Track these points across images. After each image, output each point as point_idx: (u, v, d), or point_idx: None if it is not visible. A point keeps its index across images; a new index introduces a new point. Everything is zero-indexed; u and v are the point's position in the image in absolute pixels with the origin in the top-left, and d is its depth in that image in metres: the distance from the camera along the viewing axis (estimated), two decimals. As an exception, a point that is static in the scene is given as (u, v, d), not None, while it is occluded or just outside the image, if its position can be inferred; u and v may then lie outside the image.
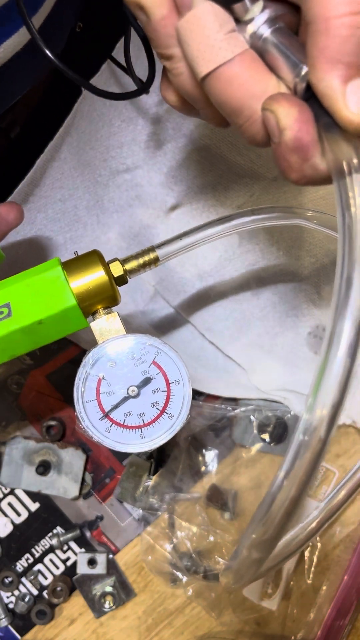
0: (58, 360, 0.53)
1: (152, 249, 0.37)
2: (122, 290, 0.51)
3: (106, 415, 0.36)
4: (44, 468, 0.51)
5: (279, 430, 0.52)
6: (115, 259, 0.36)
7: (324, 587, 0.51)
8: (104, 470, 0.53)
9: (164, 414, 0.36)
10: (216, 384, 0.52)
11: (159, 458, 0.52)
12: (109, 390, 0.36)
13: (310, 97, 0.24)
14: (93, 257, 0.36)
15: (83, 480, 0.52)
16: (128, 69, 0.43)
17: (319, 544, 0.52)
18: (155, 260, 0.37)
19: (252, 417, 0.52)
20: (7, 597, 0.52)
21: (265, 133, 0.26)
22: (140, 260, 0.37)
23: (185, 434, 0.52)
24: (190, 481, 0.52)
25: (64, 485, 0.52)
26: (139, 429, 0.36)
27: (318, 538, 0.52)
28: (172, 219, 0.50)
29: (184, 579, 0.51)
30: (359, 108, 0.23)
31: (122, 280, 0.37)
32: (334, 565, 0.52)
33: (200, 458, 0.52)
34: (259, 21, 0.26)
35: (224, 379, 0.52)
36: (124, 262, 0.37)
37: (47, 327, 0.35)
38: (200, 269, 0.50)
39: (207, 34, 0.25)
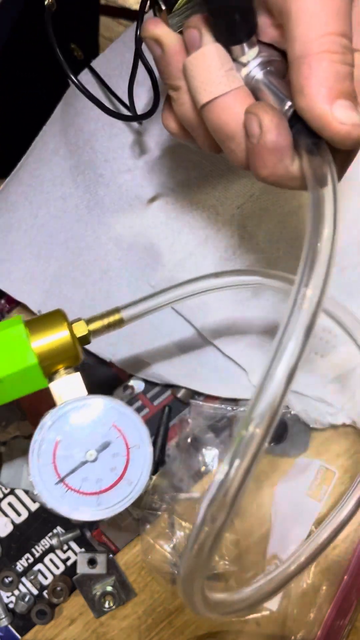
0: (58, 360, 0.53)
1: (117, 310, 0.38)
2: (123, 290, 0.51)
3: (62, 480, 0.34)
4: None
5: (279, 430, 0.52)
6: (79, 319, 0.37)
7: (324, 587, 0.52)
8: (104, 470, 0.53)
9: (123, 479, 0.35)
10: (216, 384, 0.52)
11: (159, 458, 0.52)
12: (66, 453, 0.34)
13: (294, 124, 0.29)
14: (57, 317, 0.36)
15: (83, 480, 0.52)
16: (129, 102, 0.45)
17: (318, 544, 0.52)
18: (120, 322, 0.38)
19: (252, 417, 0.52)
20: (7, 597, 0.52)
21: None
22: (105, 322, 0.37)
23: (185, 434, 0.52)
24: (190, 481, 0.52)
25: None
26: (96, 496, 0.35)
27: (318, 538, 0.52)
28: (172, 219, 0.50)
29: (184, 578, 0.51)
30: (347, 118, 0.27)
31: (85, 340, 0.37)
32: (333, 565, 0.52)
33: (200, 458, 0.52)
34: (253, 64, 0.30)
35: (224, 379, 0.52)
36: (88, 322, 0.37)
37: (6, 386, 0.34)
38: (200, 269, 0.50)
39: (210, 69, 0.30)
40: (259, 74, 0.30)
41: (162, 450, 0.53)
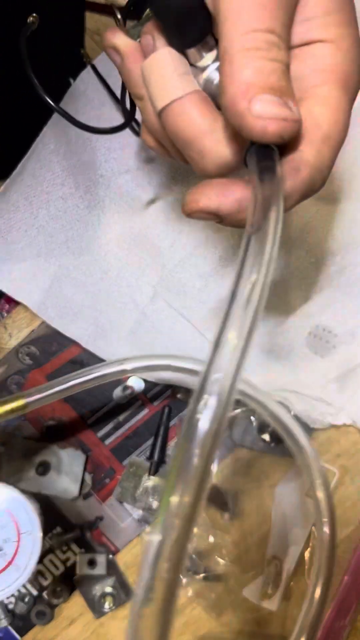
0: (58, 360, 0.53)
1: (22, 395, 0.38)
2: (122, 290, 0.51)
3: None
4: (43, 468, 0.51)
5: (279, 430, 0.52)
6: None
7: (324, 588, 0.51)
8: (103, 470, 0.53)
9: (11, 565, 0.35)
10: (216, 384, 0.52)
11: (159, 458, 0.52)
12: None
13: (248, 148, 0.28)
14: None
15: (83, 481, 0.52)
16: (122, 109, 0.45)
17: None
18: (24, 407, 0.38)
19: (252, 417, 0.52)
20: (7, 598, 0.52)
21: (215, 167, 0.29)
22: (7, 407, 0.38)
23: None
24: (190, 481, 0.52)
25: (63, 485, 0.51)
26: None
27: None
28: (172, 219, 0.50)
29: (184, 579, 0.51)
30: (264, 111, 0.25)
31: None
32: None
33: (200, 458, 0.52)
34: (211, 68, 0.29)
35: (224, 379, 0.52)
36: None
37: None
38: (200, 269, 0.51)
39: (163, 73, 0.29)
40: (217, 78, 0.29)
41: (163, 450, 0.53)
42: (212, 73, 0.29)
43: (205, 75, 0.30)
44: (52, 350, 0.53)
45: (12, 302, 0.54)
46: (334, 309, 0.51)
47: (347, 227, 0.49)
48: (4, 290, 0.50)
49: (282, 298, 0.51)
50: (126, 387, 0.53)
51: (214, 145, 0.29)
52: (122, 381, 0.53)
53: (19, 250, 0.50)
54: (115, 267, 0.51)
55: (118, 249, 0.51)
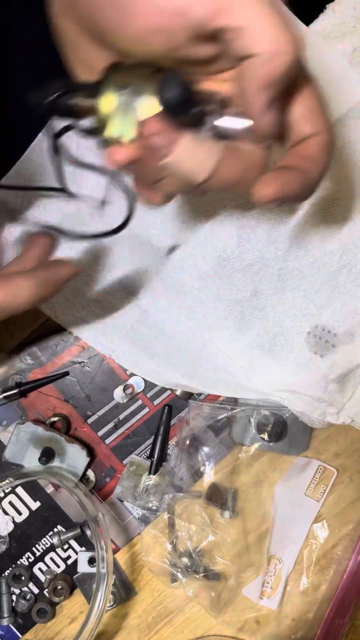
0: (59, 359, 0.54)
1: None
2: (124, 290, 0.52)
3: None
4: (49, 454, 0.51)
5: (278, 429, 0.52)
6: None
7: (324, 586, 0.52)
8: (104, 469, 0.53)
9: None
10: (216, 384, 0.53)
11: (159, 457, 0.53)
12: None
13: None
14: None
15: (85, 477, 0.52)
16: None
17: (318, 543, 0.52)
18: None
19: (251, 416, 0.52)
20: (16, 595, 0.52)
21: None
22: None
23: (185, 434, 0.53)
24: (190, 480, 0.53)
25: (65, 473, 0.51)
26: None
27: (317, 536, 0.52)
28: (170, 219, 0.51)
29: (184, 578, 0.51)
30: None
31: None
32: (333, 563, 0.52)
33: (200, 457, 0.53)
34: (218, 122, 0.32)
35: (224, 379, 0.53)
36: None
37: None
38: (199, 269, 0.51)
39: (193, 154, 0.32)
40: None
41: (162, 449, 0.53)
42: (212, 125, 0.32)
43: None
44: (53, 350, 0.54)
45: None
46: (334, 308, 0.51)
47: (345, 228, 0.50)
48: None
49: (282, 298, 0.51)
50: (127, 387, 0.53)
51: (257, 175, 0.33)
52: (123, 381, 0.54)
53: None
54: (119, 268, 0.52)
55: (120, 249, 0.51)
